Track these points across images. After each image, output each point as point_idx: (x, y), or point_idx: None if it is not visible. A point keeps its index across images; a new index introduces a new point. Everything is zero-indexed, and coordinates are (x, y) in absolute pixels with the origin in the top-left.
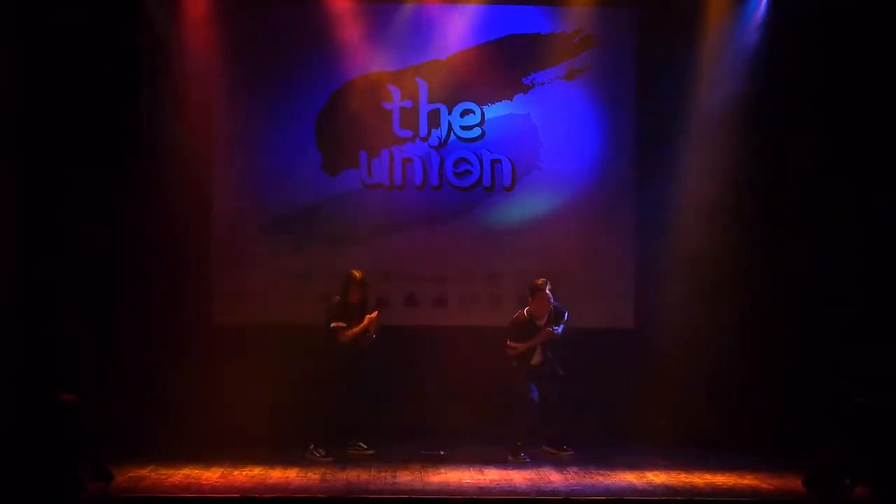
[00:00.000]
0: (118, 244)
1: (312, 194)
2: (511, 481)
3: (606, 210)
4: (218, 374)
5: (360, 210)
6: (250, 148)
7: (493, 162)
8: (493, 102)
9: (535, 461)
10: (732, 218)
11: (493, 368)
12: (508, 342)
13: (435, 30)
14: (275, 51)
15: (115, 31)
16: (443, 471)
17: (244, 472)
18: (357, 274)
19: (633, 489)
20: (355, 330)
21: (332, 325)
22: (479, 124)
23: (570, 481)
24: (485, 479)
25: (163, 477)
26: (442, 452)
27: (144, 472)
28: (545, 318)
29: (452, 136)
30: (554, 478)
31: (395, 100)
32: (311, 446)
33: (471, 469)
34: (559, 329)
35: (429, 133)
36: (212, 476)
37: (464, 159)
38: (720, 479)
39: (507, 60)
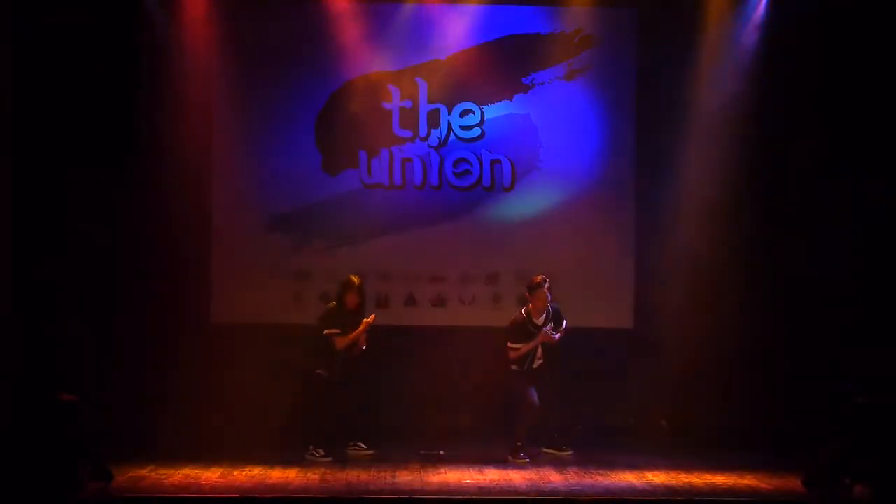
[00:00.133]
0: (118, 244)
1: (312, 194)
2: (511, 481)
3: (606, 210)
4: (218, 374)
5: (359, 210)
6: (250, 148)
7: (492, 162)
8: (492, 102)
9: (535, 461)
10: (732, 218)
11: (493, 368)
12: (509, 344)
13: (435, 30)
14: (275, 51)
15: (114, 31)
16: (442, 471)
17: (244, 472)
18: (356, 280)
19: (632, 489)
20: (351, 336)
21: (326, 332)
22: (479, 124)
23: (570, 481)
24: (484, 479)
25: (163, 477)
26: (441, 452)
27: (144, 472)
28: (543, 316)
29: (452, 136)
30: (554, 478)
31: (395, 100)
32: (311, 446)
33: (470, 469)
34: (557, 336)
35: (428, 133)
36: (211, 476)
37: (463, 159)
38: (720, 479)
39: (506, 60)
